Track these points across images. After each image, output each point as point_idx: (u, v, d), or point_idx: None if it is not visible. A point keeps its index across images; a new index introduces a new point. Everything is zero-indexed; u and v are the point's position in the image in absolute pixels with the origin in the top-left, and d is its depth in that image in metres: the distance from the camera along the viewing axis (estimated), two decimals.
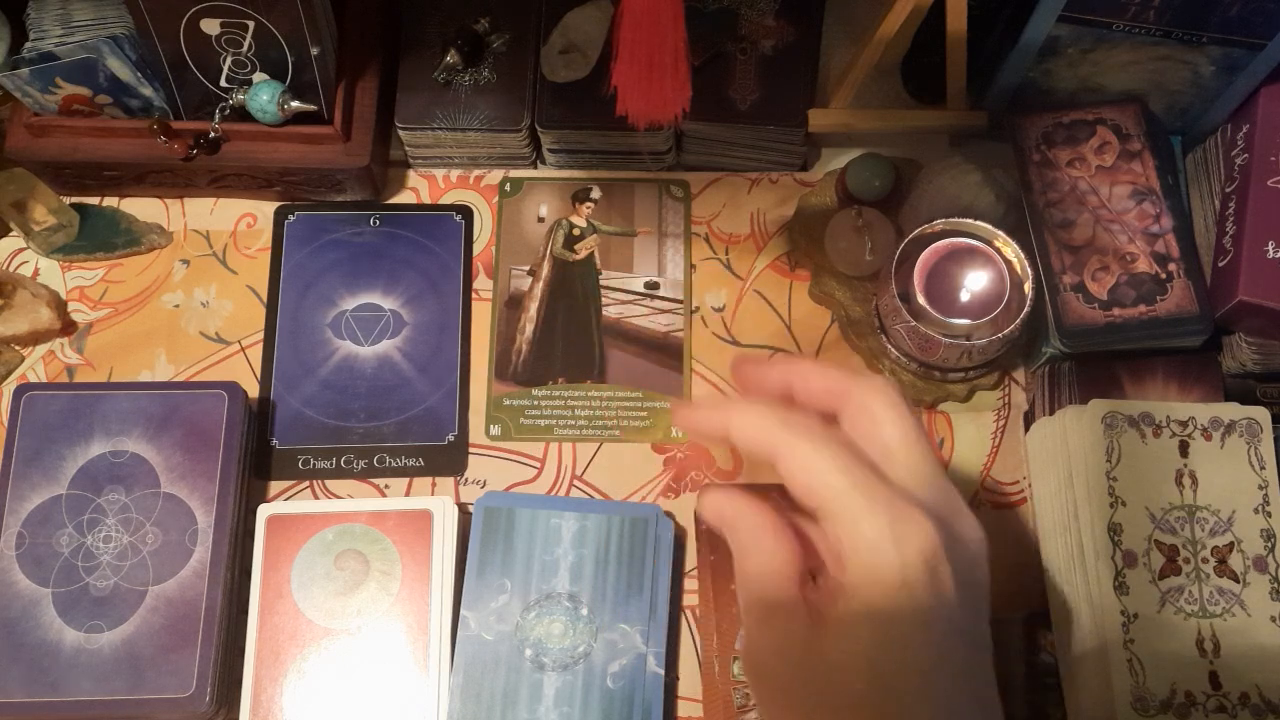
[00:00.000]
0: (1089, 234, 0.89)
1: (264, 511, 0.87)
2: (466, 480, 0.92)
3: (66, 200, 0.98)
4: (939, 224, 0.87)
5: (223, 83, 0.92)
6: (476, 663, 0.83)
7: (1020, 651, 0.83)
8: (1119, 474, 0.82)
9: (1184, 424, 0.84)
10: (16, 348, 0.95)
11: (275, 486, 0.92)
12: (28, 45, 0.92)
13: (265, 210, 1.00)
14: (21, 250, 0.99)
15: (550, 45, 0.95)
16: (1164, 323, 0.87)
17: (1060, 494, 0.85)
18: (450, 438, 0.93)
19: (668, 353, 0.95)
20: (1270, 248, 0.85)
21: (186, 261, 0.98)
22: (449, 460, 0.92)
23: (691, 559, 0.89)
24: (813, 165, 1.01)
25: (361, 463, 0.92)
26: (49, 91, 0.91)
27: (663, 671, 0.83)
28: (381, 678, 0.83)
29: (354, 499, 0.91)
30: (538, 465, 0.93)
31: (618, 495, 0.92)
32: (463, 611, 0.84)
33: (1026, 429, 0.92)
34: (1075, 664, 0.81)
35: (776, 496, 0.88)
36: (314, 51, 0.90)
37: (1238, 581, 0.81)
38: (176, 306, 0.97)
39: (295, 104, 0.91)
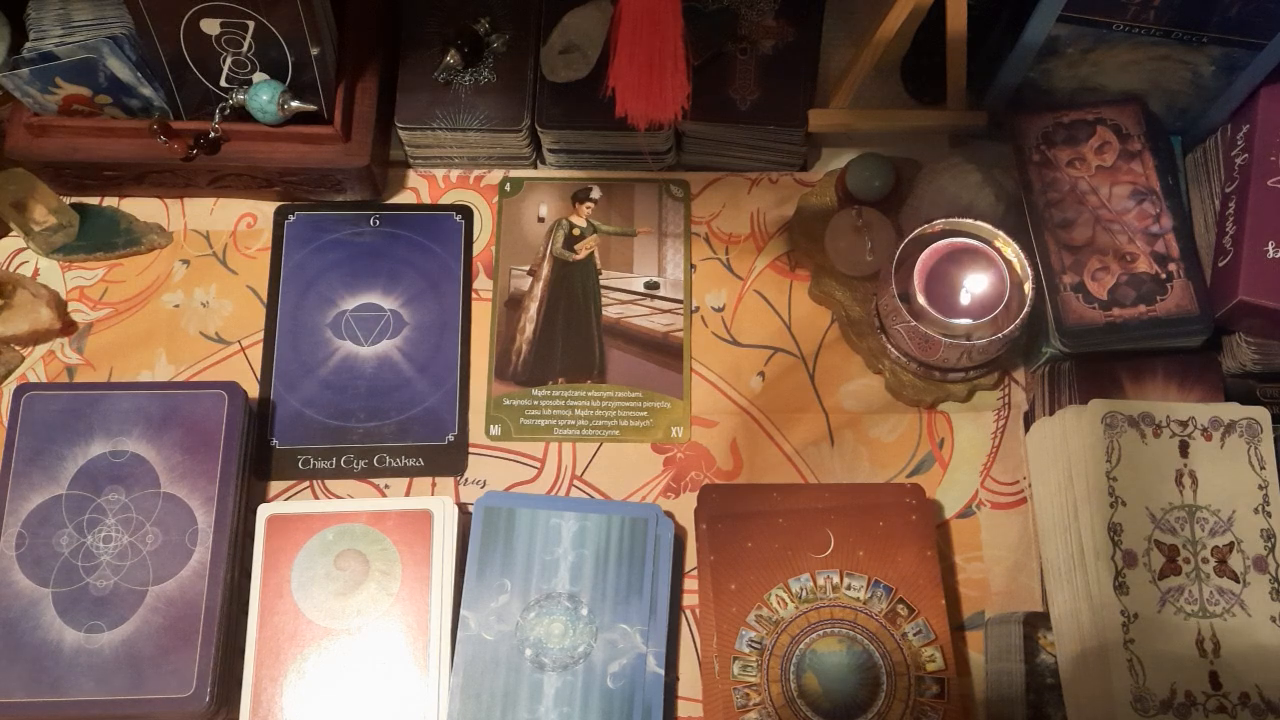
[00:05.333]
0: (1089, 234, 0.89)
1: (264, 511, 0.87)
2: (466, 480, 0.92)
3: (66, 200, 0.98)
4: (939, 224, 0.87)
5: (223, 83, 0.92)
6: (476, 663, 0.83)
7: (1020, 651, 0.83)
8: (1119, 474, 0.82)
9: (1184, 424, 0.84)
10: (16, 348, 0.95)
11: (275, 486, 0.92)
12: (28, 45, 0.92)
13: (265, 210, 1.00)
14: (21, 250, 0.99)
15: (550, 45, 0.95)
16: (1164, 323, 0.87)
17: (1060, 494, 0.84)
18: (450, 438, 0.93)
19: (668, 353, 0.95)
20: (1270, 248, 0.85)
21: (186, 261, 0.98)
22: (449, 460, 0.92)
23: (691, 559, 0.89)
24: (813, 165, 1.01)
25: (361, 463, 0.92)
26: (49, 91, 0.91)
27: (663, 671, 0.83)
28: (381, 678, 0.83)
29: (354, 499, 0.91)
30: (538, 465, 0.93)
31: (618, 495, 0.92)
32: (463, 611, 0.84)
33: (1026, 429, 0.92)
34: (1075, 664, 0.81)
35: (776, 497, 0.88)
36: (314, 51, 0.90)
37: (1238, 581, 0.80)
38: (176, 306, 0.97)
39: (295, 104, 0.91)
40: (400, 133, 0.97)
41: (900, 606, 0.84)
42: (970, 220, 0.87)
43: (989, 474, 0.93)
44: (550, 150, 0.99)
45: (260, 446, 0.92)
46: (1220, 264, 0.88)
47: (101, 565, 0.84)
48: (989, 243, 0.87)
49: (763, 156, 0.99)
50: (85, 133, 0.94)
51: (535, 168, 1.01)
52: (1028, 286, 0.86)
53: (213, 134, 0.93)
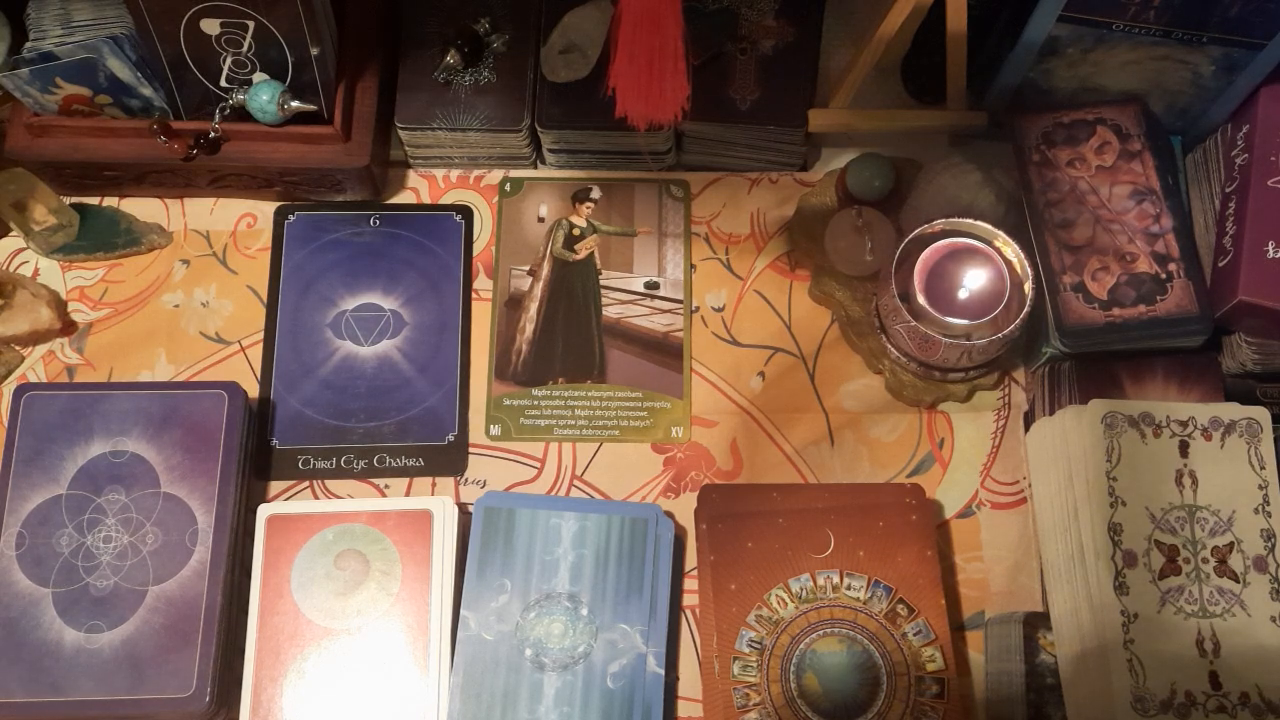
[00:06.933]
0: (1089, 234, 0.89)
1: (264, 511, 0.87)
2: (466, 480, 0.92)
3: (66, 200, 0.98)
4: (939, 224, 0.87)
5: (223, 83, 0.92)
6: (476, 663, 0.83)
7: (1020, 651, 0.83)
8: (1119, 474, 0.82)
9: (1184, 424, 0.84)
10: (16, 348, 0.95)
11: (275, 486, 0.92)
12: (28, 45, 0.92)
13: (265, 210, 1.00)
14: (21, 250, 0.99)
15: (550, 45, 0.95)
16: (1164, 323, 0.87)
17: (1060, 494, 0.84)
18: (450, 438, 0.93)
19: (668, 353, 0.95)
20: (1270, 248, 0.85)
21: (186, 261, 0.98)
22: (449, 460, 0.92)
23: (691, 559, 0.89)
24: (813, 165, 1.01)
25: (361, 463, 0.92)
26: (49, 91, 0.91)
27: (663, 671, 0.83)
28: (381, 678, 0.83)
29: (354, 499, 0.91)
30: (538, 465, 0.93)
31: (618, 495, 0.92)
32: (463, 611, 0.84)
33: (1026, 429, 0.92)
34: (1075, 664, 0.81)
35: (776, 497, 0.88)
36: (314, 51, 0.90)
37: (1238, 581, 0.80)
38: (176, 306, 0.97)
39: (295, 104, 0.91)
40: (400, 133, 0.97)
41: (900, 606, 0.84)
42: (970, 220, 0.87)
43: (989, 474, 0.93)
44: (550, 150, 0.99)
45: (260, 446, 0.92)
46: (1220, 264, 0.88)
47: (101, 565, 0.84)
48: (989, 243, 0.87)
49: (763, 156, 0.99)
50: (85, 133, 0.94)
51: (535, 168, 1.01)
52: (1028, 286, 0.86)
53: (213, 134, 0.93)
